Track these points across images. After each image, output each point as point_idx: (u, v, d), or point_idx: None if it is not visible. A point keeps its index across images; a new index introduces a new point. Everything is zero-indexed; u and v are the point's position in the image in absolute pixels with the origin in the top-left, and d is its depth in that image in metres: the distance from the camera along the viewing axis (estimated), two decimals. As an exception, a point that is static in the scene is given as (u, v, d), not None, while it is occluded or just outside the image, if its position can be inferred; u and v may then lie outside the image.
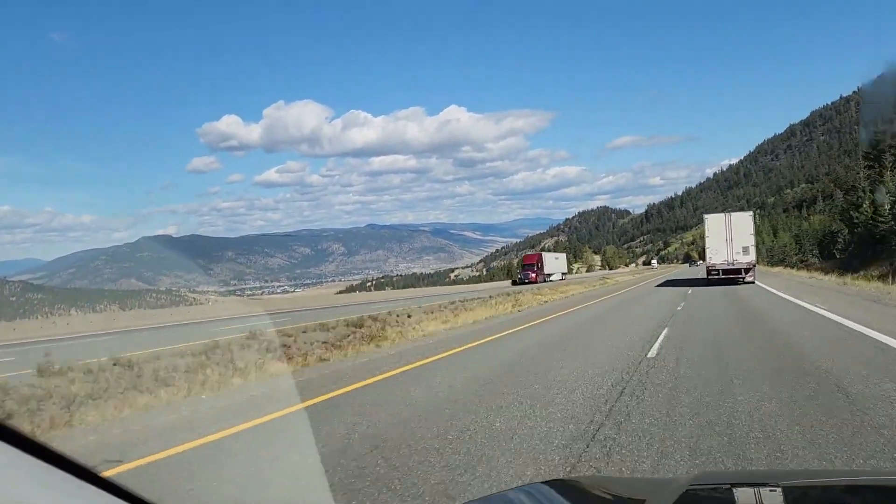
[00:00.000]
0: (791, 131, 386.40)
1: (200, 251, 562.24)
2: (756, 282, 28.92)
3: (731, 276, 29.18)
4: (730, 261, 29.14)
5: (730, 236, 29.19)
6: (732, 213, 31.56)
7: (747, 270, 29.11)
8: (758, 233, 43.68)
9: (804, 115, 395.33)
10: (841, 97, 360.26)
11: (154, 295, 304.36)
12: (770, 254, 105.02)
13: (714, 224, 30.29)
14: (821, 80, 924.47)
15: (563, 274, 75.79)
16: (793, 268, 63.80)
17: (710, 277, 29.72)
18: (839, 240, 69.74)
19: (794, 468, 3.91)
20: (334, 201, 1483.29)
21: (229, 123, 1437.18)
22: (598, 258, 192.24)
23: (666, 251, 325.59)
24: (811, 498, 1.50)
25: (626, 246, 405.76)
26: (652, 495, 1.42)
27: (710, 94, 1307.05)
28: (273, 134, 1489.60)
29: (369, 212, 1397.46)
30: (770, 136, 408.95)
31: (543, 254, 79.09)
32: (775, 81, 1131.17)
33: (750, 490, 1.55)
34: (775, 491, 1.49)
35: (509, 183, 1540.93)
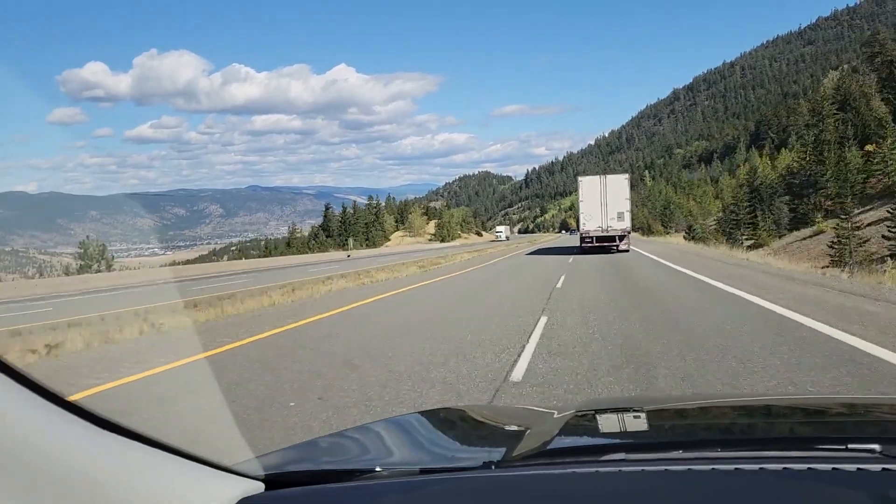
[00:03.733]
0: (675, 95, 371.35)
1: (62, 210, 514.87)
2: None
3: (605, 245, 26.79)
4: (604, 227, 26.53)
5: (604, 201, 26.32)
6: (607, 176, 27.75)
7: (622, 238, 26.56)
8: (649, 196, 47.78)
9: (687, 81, 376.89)
10: (724, 63, 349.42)
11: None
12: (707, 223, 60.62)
13: (588, 187, 26.99)
14: (704, 47, 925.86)
15: None
16: None
17: (583, 245, 27.13)
18: None
19: (683, 394, 4.18)
20: (214, 161, 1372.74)
21: (94, 71, 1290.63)
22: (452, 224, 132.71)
23: (543, 218, 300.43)
24: (673, 420, 1.50)
25: (503, 212, 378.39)
26: (536, 424, 1.40)
27: (595, 64, 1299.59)
28: (145, 85, 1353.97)
29: (252, 173, 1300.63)
30: (653, 101, 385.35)
31: None
32: (660, 49, 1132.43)
33: (614, 416, 1.56)
34: (639, 416, 1.50)
35: (397, 147, 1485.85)
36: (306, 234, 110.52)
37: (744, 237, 50.71)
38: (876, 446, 0.90)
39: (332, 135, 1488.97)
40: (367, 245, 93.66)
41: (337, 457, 1.31)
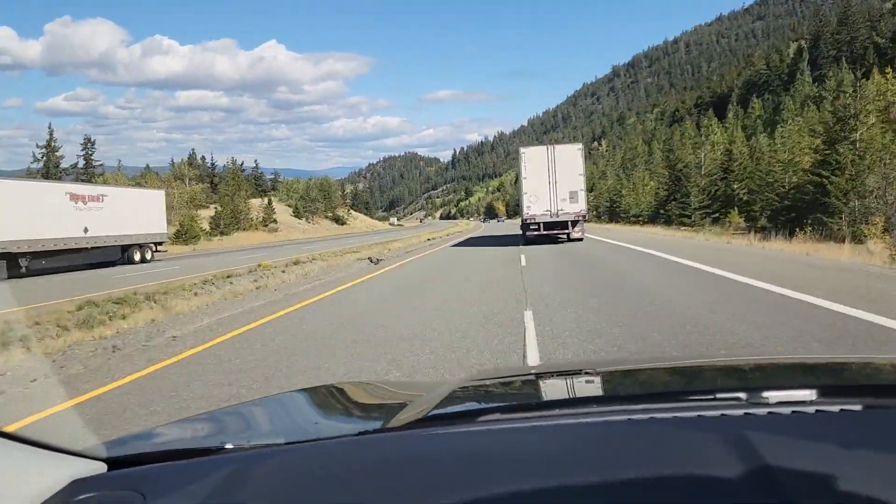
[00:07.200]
0: (615, 73, 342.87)
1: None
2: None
3: (554, 233, 22.52)
4: (553, 211, 21.94)
5: (553, 178, 21.78)
6: (556, 146, 22.45)
7: (574, 223, 22.23)
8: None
9: (627, 59, 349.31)
10: (666, 40, 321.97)
11: None
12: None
13: (533, 160, 22.10)
14: (643, 26, 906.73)
15: None
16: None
17: (527, 235, 22.35)
18: None
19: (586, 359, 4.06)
20: (136, 137, 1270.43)
21: (1, 37, 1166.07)
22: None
23: (468, 202, 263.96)
24: (552, 384, 1.45)
25: (426, 195, 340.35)
26: (421, 397, 1.33)
27: (529, 50, 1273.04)
28: (57, 54, 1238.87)
29: (177, 151, 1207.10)
30: (591, 79, 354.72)
31: None
32: (597, 29, 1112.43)
33: (496, 383, 1.49)
34: (518, 382, 1.45)
35: (328, 129, 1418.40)
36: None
37: None
38: (742, 395, 0.93)
39: (260, 114, 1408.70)
40: None
41: (191, 436, 1.23)
